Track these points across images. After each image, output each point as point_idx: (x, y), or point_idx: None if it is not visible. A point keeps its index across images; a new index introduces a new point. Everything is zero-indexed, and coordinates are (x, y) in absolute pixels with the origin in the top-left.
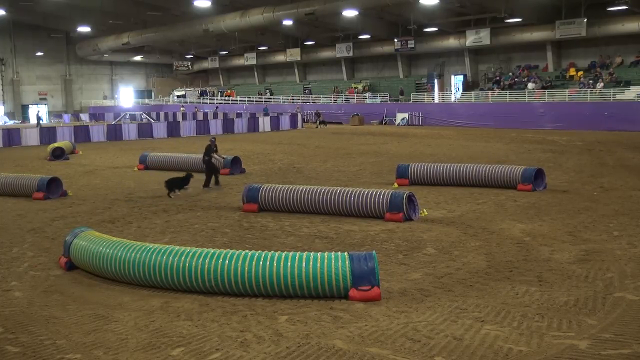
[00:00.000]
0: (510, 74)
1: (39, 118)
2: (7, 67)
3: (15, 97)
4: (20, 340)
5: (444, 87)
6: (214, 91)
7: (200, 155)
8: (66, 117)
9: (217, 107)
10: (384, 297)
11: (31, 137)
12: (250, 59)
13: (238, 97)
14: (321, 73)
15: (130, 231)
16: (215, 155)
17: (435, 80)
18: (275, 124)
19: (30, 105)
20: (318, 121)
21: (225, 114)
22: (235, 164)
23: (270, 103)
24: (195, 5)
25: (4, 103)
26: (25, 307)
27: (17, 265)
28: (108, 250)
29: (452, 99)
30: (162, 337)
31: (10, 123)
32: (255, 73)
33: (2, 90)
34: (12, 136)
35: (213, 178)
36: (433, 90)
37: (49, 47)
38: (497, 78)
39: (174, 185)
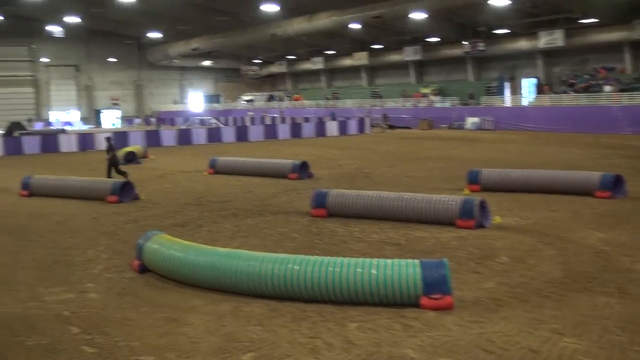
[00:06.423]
0: (586, 76)
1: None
2: (81, 73)
3: (89, 102)
4: (96, 341)
5: (516, 90)
6: (281, 96)
7: (269, 160)
8: (137, 122)
9: (281, 112)
10: (457, 306)
11: (104, 142)
12: (317, 63)
13: (306, 102)
14: (389, 77)
15: (200, 235)
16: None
17: (506, 83)
18: (342, 129)
19: (103, 110)
20: (385, 124)
21: (292, 119)
22: (303, 169)
23: (337, 107)
24: (262, 10)
25: (79, 108)
26: (100, 308)
27: (92, 267)
28: (179, 254)
29: (524, 103)
30: (233, 342)
31: (86, 128)
32: (323, 77)
33: (77, 95)
34: (86, 141)
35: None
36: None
37: (121, 53)
38: (572, 80)
39: None
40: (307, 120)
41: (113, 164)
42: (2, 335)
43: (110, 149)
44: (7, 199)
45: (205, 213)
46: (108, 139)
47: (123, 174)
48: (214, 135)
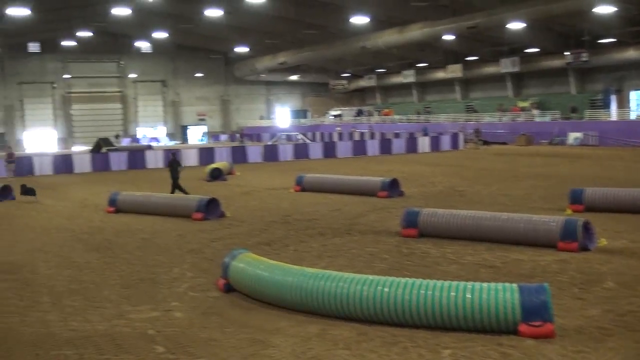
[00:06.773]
0: None
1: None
2: (168, 88)
3: (176, 118)
4: None
5: (623, 103)
6: (370, 110)
7: (357, 177)
8: (222, 137)
9: (370, 127)
10: (558, 335)
11: (190, 158)
12: (408, 77)
13: (396, 116)
14: (484, 90)
15: (287, 254)
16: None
17: (613, 96)
18: (434, 144)
19: (189, 126)
20: (478, 140)
21: (382, 134)
22: (393, 187)
23: (429, 122)
24: (352, 22)
25: (165, 124)
26: (185, 327)
27: (177, 285)
28: (265, 274)
29: (633, 117)
30: None
31: (172, 144)
32: (414, 91)
33: (164, 111)
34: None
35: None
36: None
37: (207, 68)
38: None
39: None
40: (397, 135)
41: (172, 178)
42: (88, 352)
43: (173, 163)
44: (95, 215)
45: (292, 232)
46: (173, 154)
47: (180, 190)
48: (300, 151)
